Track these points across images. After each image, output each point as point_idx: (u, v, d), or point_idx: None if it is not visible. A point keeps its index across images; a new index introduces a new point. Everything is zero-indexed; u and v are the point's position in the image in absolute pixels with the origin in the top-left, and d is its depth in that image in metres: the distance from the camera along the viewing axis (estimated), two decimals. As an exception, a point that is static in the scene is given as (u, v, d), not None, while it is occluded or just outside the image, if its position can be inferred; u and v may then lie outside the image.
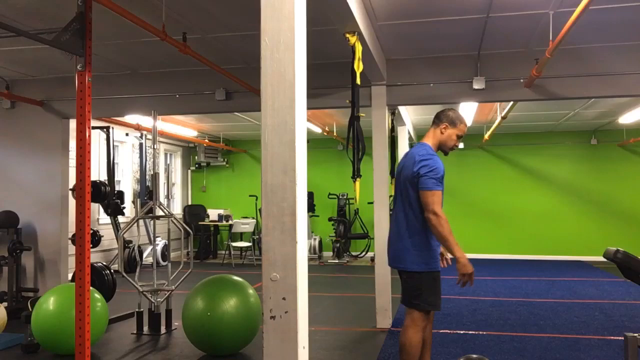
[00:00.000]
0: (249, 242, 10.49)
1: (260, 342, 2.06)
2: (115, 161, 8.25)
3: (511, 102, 6.52)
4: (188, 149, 12.03)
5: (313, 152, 10.87)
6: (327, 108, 6.72)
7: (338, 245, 10.39)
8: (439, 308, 3.16)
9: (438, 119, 3.26)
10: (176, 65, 5.79)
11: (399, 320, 5.44)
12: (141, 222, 8.32)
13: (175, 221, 5.28)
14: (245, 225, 10.20)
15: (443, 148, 3.28)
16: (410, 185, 3.09)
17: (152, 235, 8.49)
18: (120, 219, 8.29)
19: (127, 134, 9.34)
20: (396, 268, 3.23)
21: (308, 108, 2.17)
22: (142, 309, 5.05)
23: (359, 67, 3.83)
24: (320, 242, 10.80)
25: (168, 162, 11.40)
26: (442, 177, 3.06)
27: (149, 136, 8.74)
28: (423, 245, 3.08)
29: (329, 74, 5.51)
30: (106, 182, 6.69)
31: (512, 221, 10.60)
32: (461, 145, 10.89)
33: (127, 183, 9.59)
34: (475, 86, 5.30)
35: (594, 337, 4.81)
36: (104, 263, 5.90)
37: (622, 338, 2.93)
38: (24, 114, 6.27)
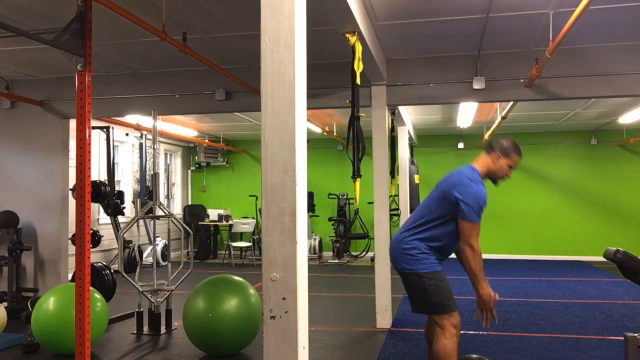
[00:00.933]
0: (249, 242, 10.49)
1: (261, 342, 2.06)
2: (115, 161, 8.25)
3: (511, 102, 6.52)
4: (188, 149, 12.03)
5: (313, 152, 10.87)
6: (327, 108, 6.72)
7: (338, 245, 10.39)
8: (455, 309, 3.03)
9: (491, 147, 3.10)
10: (176, 65, 5.79)
11: (399, 320, 5.44)
12: (141, 222, 8.31)
13: (175, 221, 5.28)
14: (245, 225, 10.20)
15: (492, 177, 3.14)
16: (444, 199, 2.99)
17: (152, 235, 8.49)
18: (120, 219, 8.29)
19: (127, 134, 9.34)
20: (401, 268, 3.14)
21: (308, 108, 2.17)
22: (142, 309, 5.05)
23: (359, 67, 3.83)
24: (320, 242, 10.80)
25: (168, 162, 11.40)
26: (483, 209, 2.95)
27: (149, 136, 8.74)
28: (431, 251, 3.03)
29: (329, 74, 5.51)
30: (106, 182, 6.69)
31: (512, 221, 10.60)
32: (461, 146, 10.93)
33: (127, 183, 9.59)
34: (475, 86, 5.29)
35: (594, 337, 4.81)
36: (104, 263, 5.90)
37: (622, 338, 2.93)
38: (24, 114, 6.27)
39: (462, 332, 4.97)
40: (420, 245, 3.04)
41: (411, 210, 8.34)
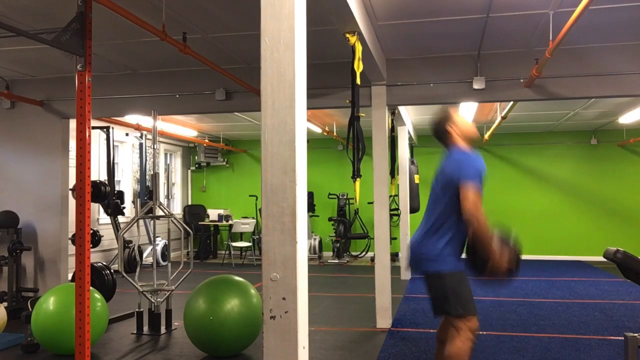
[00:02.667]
0: (249, 242, 10.49)
1: (262, 343, 2.06)
2: (115, 161, 8.25)
3: (511, 102, 6.52)
4: (188, 149, 12.04)
5: (313, 152, 10.87)
6: (327, 108, 6.72)
7: (338, 245, 10.39)
8: (475, 313, 2.92)
9: (443, 131, 3.13)
10: (176, 65, 5.79)
11: (399, 320, 5.44)
12: (141, 222, 8.31)
13: (175, 221, 5.28)
14: (245, 225, 10.20)
15: (474, 141, 3.13)
16: (449, 189, 2.93)
17: (152, 235, 8.49)
18: (120, 219, 8.29)
19: (127, 134, 9.34)
20: (421, 272, 3.05)
21: (308, 108, 2.17)
22: (142, 309, 5.05)
23: (359, 67, 3.83)
24: (320, 242, 10.80)
25: (168, 162, 11.40)
26: (482, 175, 2.90)
27: (149, 136, 8.74)
28: (451, 248, 2.97)
29: (329, 74, 5.51)
30: (106, 182, 6.69)
31: (512, 221, 10.57)
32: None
33: (127, 183, 9.59)
34: (475, 86, 5.29)
35: (594, 337, 4.81)
36: (104, 263, 5.90)
37: (622, 338, 2.93)
38: (24, 114, 6.27)
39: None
40: (439, 244, 2.95)
41: (411, 211, 8.35)
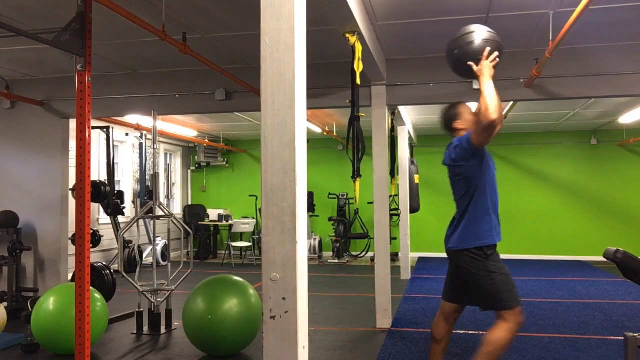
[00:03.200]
0: (249, 242, 10.50)
1: (261, 343, 2.06)
2: (115, 161, 8.25)
3: (511, 102, 6.52)
4: (188, 149, 12.04)
5: (313, 152, 10.87)
6: (327, 108, 6.72)
7: (338, 245, 10.39)
8: (520, 304, 2.90)
9: (450, 127, 3.15)
10: (176, 65, 5.79)
11: (399, 320, 5.44)
12: (141, 222, 8.31)
13: (175, 221, 5.28)
14: (245, 225, 10.20)
15: None
16: (458, 176, 2.99)
17: (152, 235, 8.49)
18: (120, 219, 8.29)
19: (127, 134, 9.34)
20: (459, 266, 3.04)
21: (308, 108, 2.17)
22: (142, 309, 5.05)
23: (359, 67, 3.83)
24: (320, 242, 10.80)
25: (168, 162, 11.40)
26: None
27: (149, 136, 8.74)
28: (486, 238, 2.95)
29: (329, 74, 5.51)
30: (106, 182, 6.69)
31: (512, 221, 10.59)
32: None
33: (127, 183, 9.59)
34: (476, 86, 5.29)
35: (594, 337, 4.81)
36: (104, 263, 5.90)
37: (622, 338, 2.93)
38: (24, 114, 6.27)
39: (461, 332, 4.97)
40: (473, 234, 2.95)
41: (411, 211, 8.36)
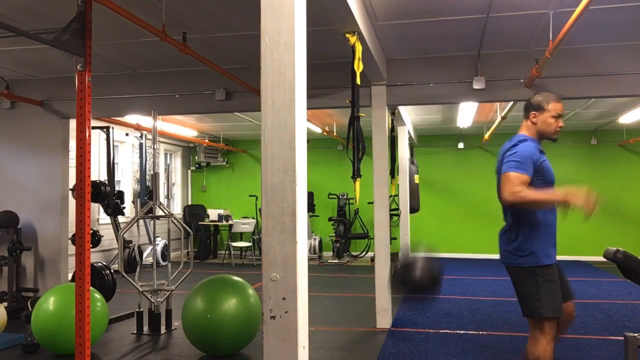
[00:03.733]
0: (249, 242, 10.50)
1: (261, 342, 2.06)
2: (115, 161, 8.25)
3: (511, 102, 6.52)
4: (188, 149, 12.03)
5: (313, 152, 10.87)
6: (327, 108, 6.72)
7: (338, 245, 10.39)
8: (562, 313, 2.81)
9: (525, 111, 2.96)
10: (176, 65, 5.78)
11: (399, 320, 5.44)
12: (141, 222, 8.32)
13: (175, 221, 5.28)
14: (245, 225, 10.20)
15: (544, 136, 2.99)
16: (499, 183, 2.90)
17: (152, 235, 8.49)
18: (120, 219, 8.29)
19: (127, 134, 9.34)
20: (506, 266, 3.03)
21: (308, 108, 2.17)
22: (142, 309, 5.05)
23: (359, 67, 3.83)
24: (320, 242, 10.80)
25: (168, 162, 11.40)
26: (530, 162, 2.76)
27: (149, 136, 8.74)
28: (526, 239, 2.91)
29: (329, 74, 5.51)
30: (106, 182, 6.69)
31: (512, 221, 10.59)
32: (461, 146, 10.92)
33: (127, 183, 9.59)
34: (475, 86, 5.29)
35: (594, 337, 4.81)
36: (104, 263, 5.90)
37: (622, 338, 2.93)
38: (24, 114, 6.27)
39: (461, 332, 4.98)
40: (519, 236, 2.96)
41: (411, 211, 8.35)
